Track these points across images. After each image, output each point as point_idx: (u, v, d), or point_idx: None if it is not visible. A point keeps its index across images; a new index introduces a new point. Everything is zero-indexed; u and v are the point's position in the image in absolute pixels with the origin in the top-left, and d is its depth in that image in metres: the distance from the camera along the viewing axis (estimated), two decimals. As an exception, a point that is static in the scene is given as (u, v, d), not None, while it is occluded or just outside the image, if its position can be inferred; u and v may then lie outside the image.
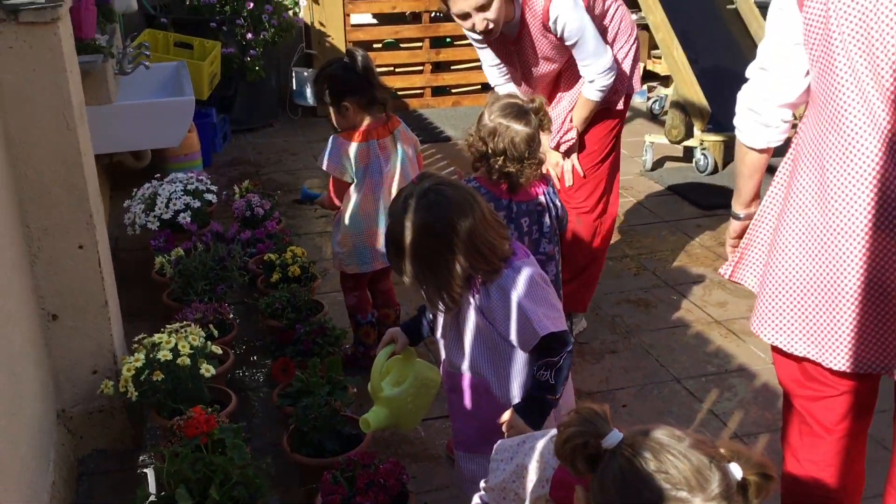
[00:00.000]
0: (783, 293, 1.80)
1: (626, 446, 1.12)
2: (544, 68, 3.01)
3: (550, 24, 2.82)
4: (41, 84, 2.32)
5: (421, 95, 6.56)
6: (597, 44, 2.88)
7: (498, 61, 3.09)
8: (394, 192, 2.96)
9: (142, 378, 2.43)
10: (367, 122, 2.92)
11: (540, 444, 1.38)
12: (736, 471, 1.11)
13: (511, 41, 2.95)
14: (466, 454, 2.11)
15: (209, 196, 3.81)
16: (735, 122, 1.89)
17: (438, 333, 2.08)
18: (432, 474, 2.61)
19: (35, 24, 2.26)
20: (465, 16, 2.76)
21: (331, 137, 2.98)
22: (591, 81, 2.95)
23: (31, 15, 2.26)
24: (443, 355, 2.10)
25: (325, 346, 2.81)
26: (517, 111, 2.39)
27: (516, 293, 1.87)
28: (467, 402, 2.05)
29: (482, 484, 1.49)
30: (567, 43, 2.86)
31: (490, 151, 2.39)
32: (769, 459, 1.14)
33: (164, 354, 2.44)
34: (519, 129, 2.37)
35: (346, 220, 2.98)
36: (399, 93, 6.51)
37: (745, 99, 1.84)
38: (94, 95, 3.69)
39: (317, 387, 2.55)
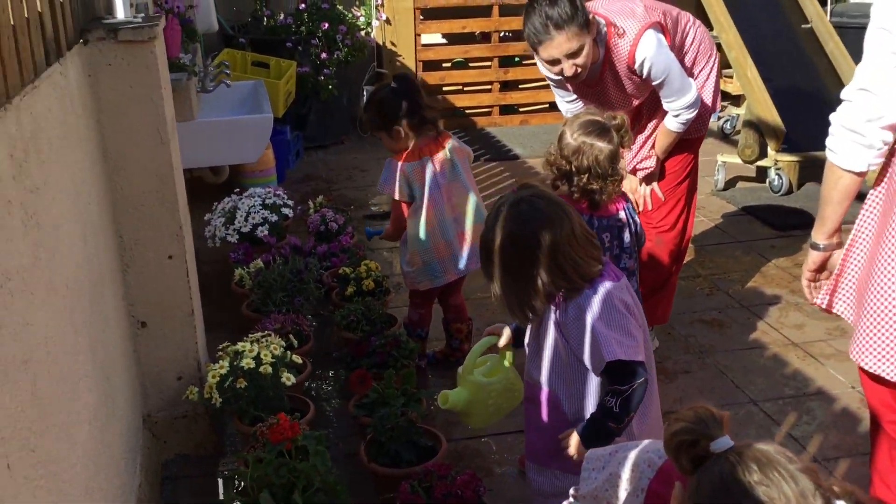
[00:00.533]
0: (884, 321, 1.77)
1: (734, 453, 1.11)
2: (625, 104, 3.02)
3: (636, 66, 2.83)
4: (138, 100, 2.42)
5: (489, 114, 6.61)
6: (682, 80, 2.89)
7: (574, 97, 3.10)
8: (454, 202, 3.03)
9: (225, 385, 2.50)
10: (418, 141, 3.00)
11: (634, 454, 1.39)
12: None
13: (592, 82, 2.95)
14: (537, 466, 2.12)
15: (286, 210, 3.90)
16: (829, 143, 1.84)
17: (525, 342, 2.11)
18: (504, 488, 2.62)
19: (133, 43, 2.37)
20: (555, 62, 2.75)
21: (386, 161, 3.07)
22: (675, 115, 2.96)
23: (129, 34, 2.36)
24: (527, 365, 2.13)
25: (400, 358, 2.84)
26: (599, 129, 2.40)
27: (591, 314, 1.87)
28: (542, 414, 2.06)
29: (571, 491, 1.50)
30: (653, 83, 2.88)
31: (574, 170, 2.41)
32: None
33: (247, 362, 2.51)
34: (602, 146, 2.38)
35: (412, 240, 3.06)
36: (467, 111, 6.58)
37: (845, 120, 1.79)
38: (177, 112, 3.78)
39: (393, 398, 2.59)
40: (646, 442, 1.44)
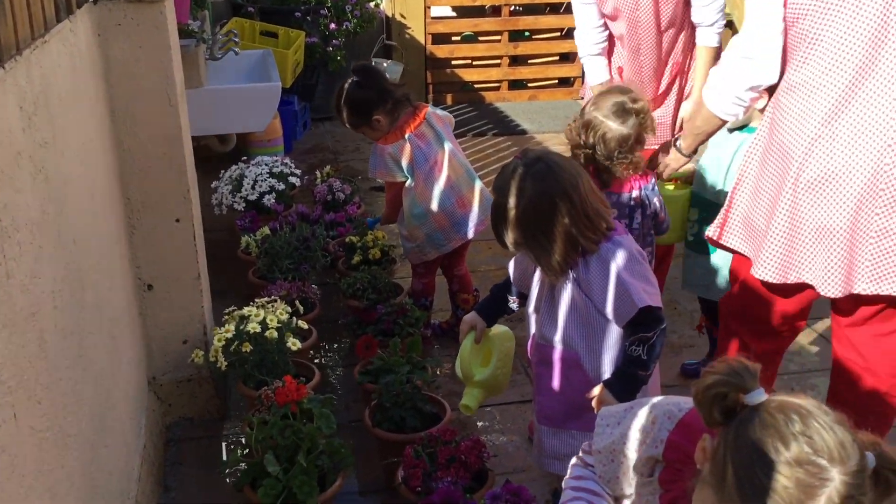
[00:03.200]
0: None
1: (773, 405, 1.11)
2: (654, 39, 2.99)
3: None
4: (147, 61, 2.41)
5: (497, 89, 6.57)
6: None
7: (600, 23, 3.09)
8: (445, 171, 3.05)
9: (231, 349, 2.51)
10: (398, 120, 3.02)
11: (651, 408, 1.39)
12: (872, 459, 1.09)
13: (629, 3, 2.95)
14: (551, 429, 2.13)
15: (293, 179, 3.89)
16: (708, 93, 2.16)
17: (531, 308, 2.11)
18: (508, 456, 2.63)
19: (142, 3, 2.35)
20: None
21: (372, 147, 3.10)
22: (710, 24, 2.97)
23: (139, -6, 2.35)
24: (532, 329, 2.13)
25: (405, 326, 2.84)
26: (618, 109, 2.36)
27: (616, 265, 1.91)
28: (557, 376, 2.07)
29: (584, 446, 1.50)
30: None
31: (583, 143, 2.40)
32: None
33: (252, 327, 2.51)
34: (613, 126, 2.35)
35: (410, 214, 3.07)
36: (476, 85, 6.54)
37: (729, 84, 2.08)
38: (186, 79, 3.77)
39: (398, 365, 2.60)
40: (662, 397, 1.44)
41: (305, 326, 2.66)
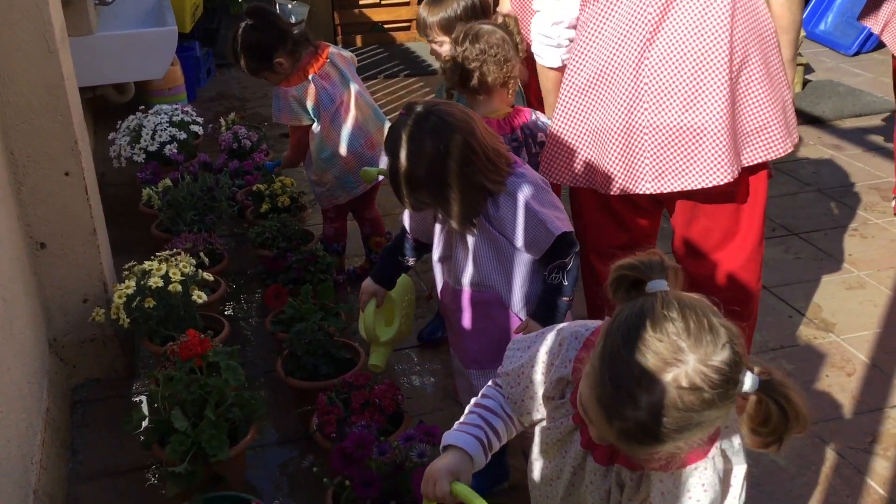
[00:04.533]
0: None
1: (664, 294, 1.13)
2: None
3: None
4: (21, 5, 2.25)
5: (408, 29, 6.45)
6: None
7: None
8: (352, 112, 2.99)
9: (133, 305, 2.42)
10: (299, 62, 2.93)
11: (559, 331, 1.39)
12: (750, 380, 1.12)
13: None
14: (480, 371, 2.11)
15: (195, 128, 3.76)
16: (534, 49, 2.20)
17: (437, 256, 2.07)
18: (426, 398, 2.63)
19: (12, -59, 2.19)
20: None
21: (274, 91, 3.00)
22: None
23: (6, -69, 2.18)
24: (442, 277, 2.09)
25: (317, 273, 2.79)
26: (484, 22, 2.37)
27: (524, 197, 1.88)
28: (477, 318, 2.05)
29: (497, 371, 1.49)
30: None
31: (463, 60, 2.28)
32: (808, 408, 1.15)
33: (155, 281, 2.42)
34: (491, 27, 2.30)
35: (318, 158, 3.00)
36: (385, 26, 6.41)
37: (538, 27, 2.14)
38: (74, 26, 3.60)
39: (310, 313, 2.55)
40: (569, 322, 1.44)
41: (211, 278, 2.59)
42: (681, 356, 1.08)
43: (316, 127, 2.98)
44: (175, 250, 2.64)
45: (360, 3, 6.30)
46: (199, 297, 2.46)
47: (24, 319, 2.28)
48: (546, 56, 2.16)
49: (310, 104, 2.94)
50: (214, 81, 5.61)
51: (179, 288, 2.44)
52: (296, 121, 2.97)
